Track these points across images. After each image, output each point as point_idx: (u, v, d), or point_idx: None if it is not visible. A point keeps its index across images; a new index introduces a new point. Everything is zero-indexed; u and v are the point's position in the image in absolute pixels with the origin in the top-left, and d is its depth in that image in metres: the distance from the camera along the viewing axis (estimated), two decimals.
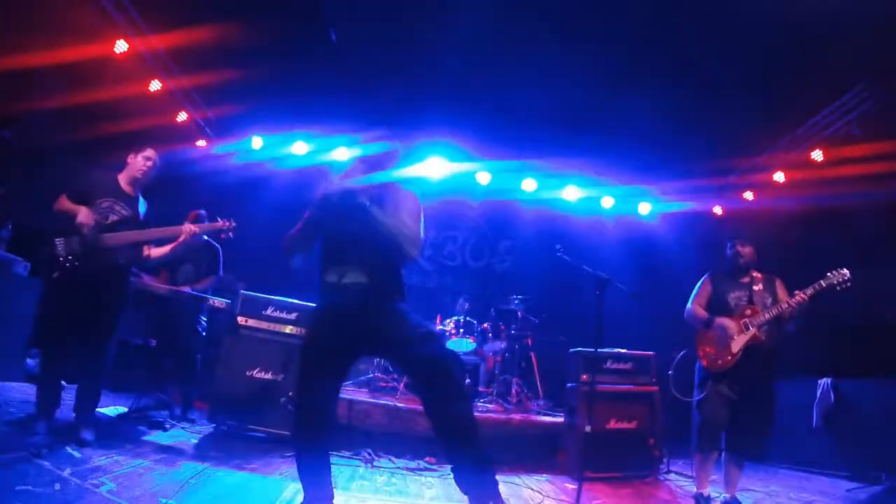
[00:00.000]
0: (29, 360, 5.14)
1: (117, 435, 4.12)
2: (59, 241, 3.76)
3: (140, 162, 4.08)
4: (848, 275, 3.61)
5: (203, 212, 5.50)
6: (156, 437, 4.37)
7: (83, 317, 3.77)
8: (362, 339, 2.65)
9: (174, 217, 4.37)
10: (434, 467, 4.71)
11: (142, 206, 4.11)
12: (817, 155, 6.67)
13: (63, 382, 4.01)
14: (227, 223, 4.31)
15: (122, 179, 4.07)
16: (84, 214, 3.74)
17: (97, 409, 4.05)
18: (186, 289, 4.99)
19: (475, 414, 2.63)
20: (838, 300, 3.71)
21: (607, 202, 8.95)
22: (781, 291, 3.97)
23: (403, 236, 2.69)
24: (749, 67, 5.74)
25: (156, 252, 4.13)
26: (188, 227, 4.06)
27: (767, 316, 3.81)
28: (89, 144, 4.29)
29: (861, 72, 5.68)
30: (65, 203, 3.82)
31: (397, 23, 5.89)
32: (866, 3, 4.65)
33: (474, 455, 2.47)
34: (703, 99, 6.26)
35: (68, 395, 3.95)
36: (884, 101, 5.71)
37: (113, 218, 3.89)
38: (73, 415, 3.86)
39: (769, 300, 3.92)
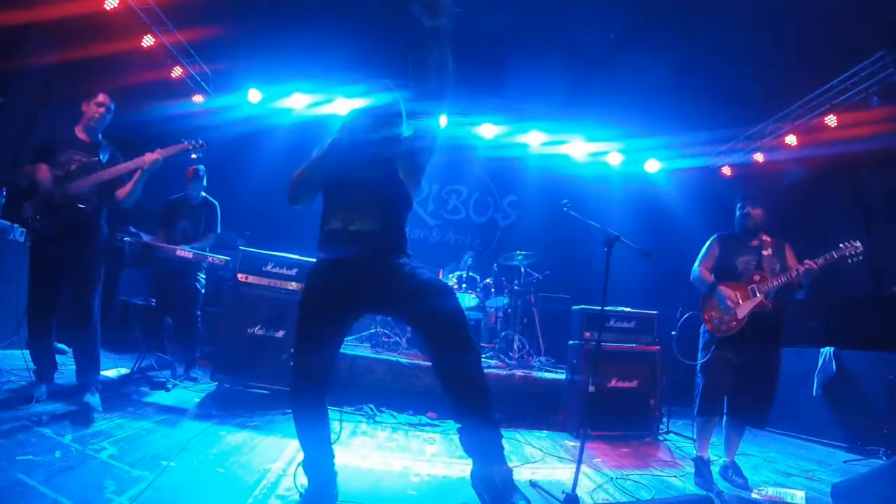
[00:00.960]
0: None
1: (119, 397, 4.15)
2: (25, 205, 3.77)
3: (92, 109, 4.03)
4: (861, 248, 3.51)
5: (201, 167, 5.40)
6: (158, 397, 4.40)
7: (62, 275, 3.82)
8: (367, 293, 2.53)
9: (172, 174, 4.28)
10: (435, 423, 4.76)
11: (104, 150, 4.06)
12: (831, 120, 6.48)
13: (63, 346, 4.00)
14: (193, 143, 4.23)
15: (79, 129, 4.03)
16: (41, 171, 3.76)
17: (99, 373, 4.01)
18: (185, 247, 4.93)
19: (484, 372, 2.49)
20: (845, 270, 3.63)
21: (614, 158, 8.76)
22: (791, 258, 3.88)
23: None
24: (768, 26, 5.47)
25: (124, 191, 4.02)
26: (149, 156, 3.98)
27: (776, 283, 3.73)
28: (82, 102, 4.16)
29: (884, 38, 5.40)
30: (26, 167, 3.84)
31: None
32: None
33: (483, 416, 2.37)
34: (717, 57, 6.02)
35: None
36: None
37: (73, 167, 3.86)
38: (77, 382, 3.82)
39: (778, 266, 3.84)
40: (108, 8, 5.81)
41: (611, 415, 4.86)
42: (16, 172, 4.03)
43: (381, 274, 2.51)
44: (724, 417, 3.91)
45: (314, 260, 2.70)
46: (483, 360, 6.14)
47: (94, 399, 3.63)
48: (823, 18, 5.16)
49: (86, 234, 3.88)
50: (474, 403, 2.39)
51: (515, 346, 6.68)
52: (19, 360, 4.61)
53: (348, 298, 2.54)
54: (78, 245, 3.83)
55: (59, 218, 3.76)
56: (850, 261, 3.55)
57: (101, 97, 4.07)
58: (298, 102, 7.98)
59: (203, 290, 5.25)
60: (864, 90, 6.00)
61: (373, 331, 6.67)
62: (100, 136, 4.10)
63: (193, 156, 4.31)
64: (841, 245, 3.58)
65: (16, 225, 5.17)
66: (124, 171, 3.97)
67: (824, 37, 5.44)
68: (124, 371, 4.78)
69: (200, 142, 4.27)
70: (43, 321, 3.92)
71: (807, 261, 3.66)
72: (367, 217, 2.54)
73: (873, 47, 5.66)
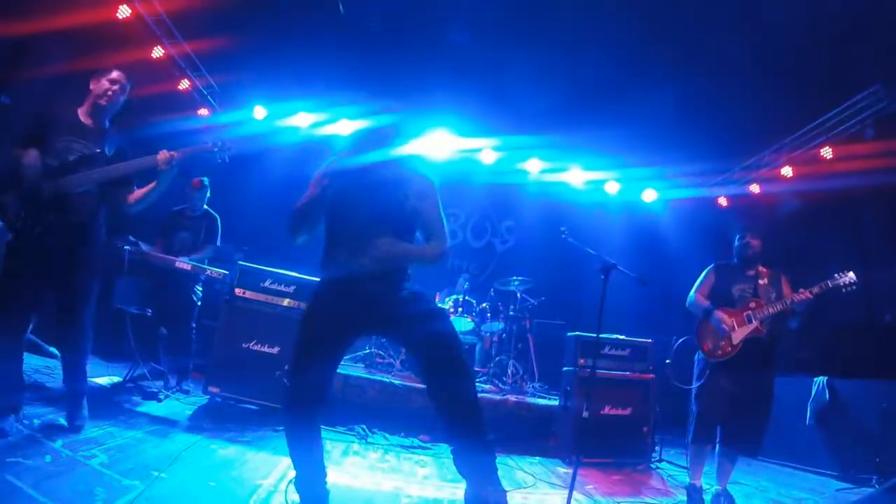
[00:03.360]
0: None
1: (111, 405, 4.11)
2: (7, 199, 3.14)
3: (104, 86, 3.40)
4: (854, 278, 3.57)
5: (206, 179, 5.43)
6: (150, 407, 4.36)
7: (43, 284, 3.24)
8: (366, 316, 2.56)
9: (177, 188, 4.22)
10: (427, 445, 4.73)
11: (111, 142, 3.43)
12: (826, 152, 6.60)
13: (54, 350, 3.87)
14: (218, 143, 3.51)
15: (82, 112, 3.41)
16: (30, 157, 3.12)
17: (88, 383, 3.66)
18: (183, 258, 4.93)
19: (478, 395, 2.51)
20: (839, 299, 3.68)
21: (612, 187, 8.85)
22: (786, 288, 3.94)
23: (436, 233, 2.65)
24: (764, 59, 5.61)
25: (135, 195, 3.46)
26: (163, 154, 3.33)
27: (771, 310, 3.78)
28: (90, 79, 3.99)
29: (879, 71, 5.53)
30: (13, 150, 3.19)
31: None
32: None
33: (477, 438, 2.38)
34: (714, 88, 6.15)
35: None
36: None
37: (71, 158, 3.24)
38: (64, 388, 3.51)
39: (773, 295, 3.89)
40: (120, 17, 5.91)
41: (604, 442, 4.83)
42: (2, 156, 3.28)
43: (380, 298, 2.54)
44: (717, 445, 3.91)
45: (312, 278, 2.72)
46: (477, 384, 6.18)
47: (80, 421, 3.33)
48: (820, 51, 5.28)
49: (80, 239, 3.30)
50: (468, 425, 2.40)
51: (510, 372, 6.67)
52: None
53: (348, 320, 2.56)
54: (70, 253, 3.25)
55: (47, 218, 3.15)
56: (843, 290, 3.60)
57: (114, 73, 3.44)
58: (303, 121, 8.07)
59: (199, 303, 5.24)
60: (858, 122, 6.12)
61: (367, 351, 6.66)
62: (107, 122, 3.51)
63: (218, 160, 3.56)
64: (835, 275, 3.64)
65: None
66: (133, 170, 3.37)
67: (820, 69, 5.57)
68: (116, 379, 4.75)
69: (227, 143, 3.54)
70: (12, 335, 3.20)
71: (801, 289, 3.72)
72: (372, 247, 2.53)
73: (868, 80, 5.78)
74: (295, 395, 2.52)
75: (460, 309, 6.99)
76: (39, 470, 2.55)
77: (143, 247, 4.87)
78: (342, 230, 2.61)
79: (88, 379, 3.61)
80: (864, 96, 5.97)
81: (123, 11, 5.92)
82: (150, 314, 4.93)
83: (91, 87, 3.43)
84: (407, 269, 2.68)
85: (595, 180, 8.80)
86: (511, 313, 7.19)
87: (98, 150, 3.33)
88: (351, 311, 2.53)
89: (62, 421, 3.36)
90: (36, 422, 3.21)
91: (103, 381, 4.66)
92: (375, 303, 2.53)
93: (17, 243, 3.16)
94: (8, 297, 3.15)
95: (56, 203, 3.15)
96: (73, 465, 2.70)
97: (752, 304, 3.88)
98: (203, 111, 7.71)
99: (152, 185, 3.44)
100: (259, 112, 7.93)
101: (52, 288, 3.30)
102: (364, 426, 4.84)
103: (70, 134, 3.29)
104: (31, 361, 4.58)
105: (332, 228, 2.66)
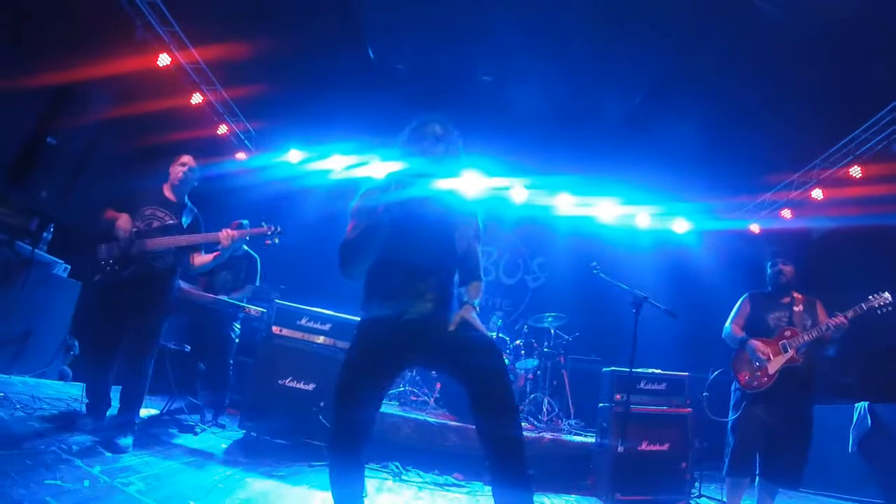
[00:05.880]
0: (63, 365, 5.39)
1: (148, 436, 4.19)
2: (101, 247, 3.92)
3: (177, 169, 4.18)
4: (890, 298, 3.49)
5: (245, 221, 5.62)
6: (186, 440, 4.44)
7: (123, 320, 3.89)
8: (417, 345, 2.49)
9: (216, 229, 4.42)
10: (462, 483, 4.67)
11: (187, 215, 4.18)
12: (855, 171, 6.45)
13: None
14: (271, 228, 4.20)
15: (166, 188, 4.19)
16: (123, 221, 3.89)
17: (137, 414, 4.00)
18: (223, 297, 5.10)
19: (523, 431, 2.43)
20: (877, 323, 3.58)
21: (643, 220, 8.81)
22: (822, 314, 3.86)
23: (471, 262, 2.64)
24: (787, 82, 5.59)
25: (199, 259, 4.16)
26: (226, 233, 4.06)
27: (807, 338, 3.69)
28: (132, 155, 4.41)
29: None
30: (109, 212, 3.97)
31: (433, 39, 5.95)
32: None
33: (520, 475, 2.32)
34: (740, 115, 6.13)
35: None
36: None
37: (155, 224, 4.02)
38: (116, 418, 3.89)
39: (809, 322, 3.81)
40: (160, 65, 6.23)
41: (641, 478, 4.68)
42: (86, 219, 4.15)
43: (431, 330, 2.48)
44: (757, 478, 3.78)
45: (346, 316, 2.70)
46: None
47: (126, 441, 3.63)
48: (842, 70, 5.24)
49: (153, 288, 3.98)
50: (513, 460, 2.35)
51: (545, 409, 6.57)
52: (54, 389, 4.77)
53: (398, 354, 2.52)
54: (143, 297, 3.92)
55: (131, 269, 3.89)
56: (879, 311, 3.51)
57: (184, 158, 4.23)
58: (337, 164, 8.32)
59: (237, 340, 5.37)
60: (884, 139, 5.98)
61: (401, 389, 6.65)
62: (186, 198, 4.26)
63: (267, 241, 4.22)
64: (870, 297, 3.56)
65: (59, 260, 5.42)
66: (199, 242, 4.12)
67: (843, 89, 5.50)
68: (154, 412, 4.86)
69: (279, 228, 4.23)
70: (99, 361, 3.97)
71: (837, 314, 3.63)
72: (422, 302, 2.49)
73: (891, 96, 5.68)
74: (341, 431, 2.45)
75: None
76: (78, 493, 2.61)
77: (185, 285, 5.07)
78: (392, 269, 2.52)
79: (136, 416, 3.96)
80: (887, 111, 5.83)
81: (163, 59, 6.24)
82: (188, 350, 5.08)
83: (170, 169, 4.20)
84: (454, 305, 2.61)
85: (626, 214, 8.77)
86: (545, 350, 7.13)
87: (175, 222, 4.11)
88: (400, 345, 2.48)
89: (101, 448, 3.46)
90: (75, 448, 3.31)
91: (141, 413, 4.78)
92: (426, 331, 2.47)
93: (106, 288, 3.92)
94: (100, 329, 3.96)
95: (138, 258, 3.91)
96: (110, 491, 2.77)
97: (788, 333, 3.81)
98: (241, 155, 8.06)
99: (216, 253, 4.14)
100: (294, 155, 8.22)
101: (126, 323, 3.92)
102: (398, 463, 4.80)
103: (155, 205, 4.08)
104: (70, 391, 4.81)
105: (380, 265, 2.55)
